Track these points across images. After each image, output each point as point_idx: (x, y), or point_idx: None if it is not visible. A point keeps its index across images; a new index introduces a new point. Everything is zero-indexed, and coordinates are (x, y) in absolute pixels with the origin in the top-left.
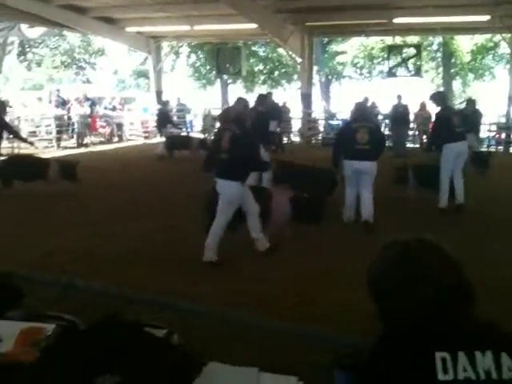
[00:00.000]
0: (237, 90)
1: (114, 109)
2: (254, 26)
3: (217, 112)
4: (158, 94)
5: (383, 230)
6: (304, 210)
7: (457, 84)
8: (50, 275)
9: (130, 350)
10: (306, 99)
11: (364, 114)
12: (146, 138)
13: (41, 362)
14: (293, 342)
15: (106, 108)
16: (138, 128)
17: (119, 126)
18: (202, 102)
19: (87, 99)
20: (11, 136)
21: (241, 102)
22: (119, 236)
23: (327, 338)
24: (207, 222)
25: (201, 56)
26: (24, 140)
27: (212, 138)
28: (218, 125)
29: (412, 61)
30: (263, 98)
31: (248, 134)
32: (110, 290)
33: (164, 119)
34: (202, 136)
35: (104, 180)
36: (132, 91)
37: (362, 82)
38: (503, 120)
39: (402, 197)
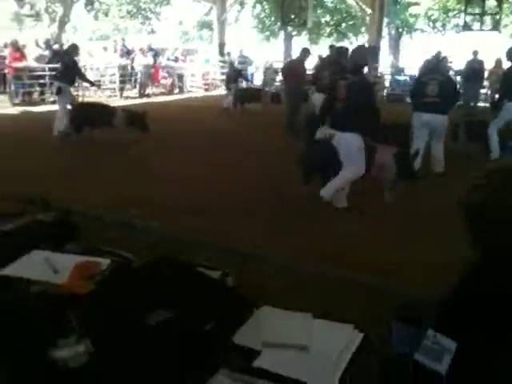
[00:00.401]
0: (301, 43)
1: (176, 60)
2: None
3: (279, 65)
4: (221, 45)
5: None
6: (405, 167)
7: None
8: (111, 215)
9: (182, 287)
10: (373, 53)
11: (435, 67)
12: (206, 90)
13: (95, 295)
14: (352, 293)
15: (168, 59)
16: (198, 80)
17: (180, 77)
18: (264, 55)
19: (151, 49)
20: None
21: (306, 53)
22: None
23: (387, 289)
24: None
25: (266, 7)
26: (91, 83)
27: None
28: (279, 78)
29: (491, 14)
30: (345, 53)
31: (366, 82)
32: (169, 232)
33: (235, 75)
34: (272, 89)
35: (172, 131)
36: (195, 43)
37: (435, 35)
38: None
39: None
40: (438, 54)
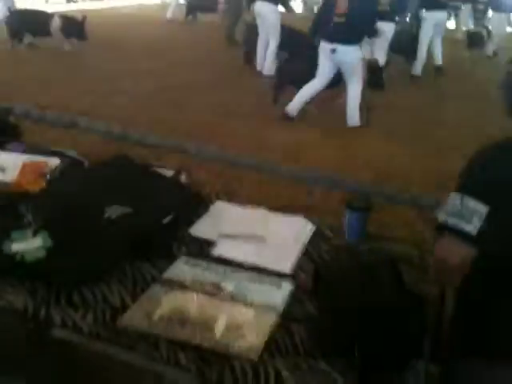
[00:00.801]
0: None
1: None
2: None
3: None
4: None
5: None
6: (374, 76)
7: None
8: (54, 114)
9: (138, 184)
10: None
11: None
12: None
13: (48, 191)
14: (304, 187)
15: None
16: None
17: None
18: None
19: None
20: None
21: None
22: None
23: (338, 182)
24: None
25: None
26: None
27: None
28: None
29: None
30: None
31: None
32: (114, 130)
33: None
34: None
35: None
36: None
37: None
38: None
39: None
40: None
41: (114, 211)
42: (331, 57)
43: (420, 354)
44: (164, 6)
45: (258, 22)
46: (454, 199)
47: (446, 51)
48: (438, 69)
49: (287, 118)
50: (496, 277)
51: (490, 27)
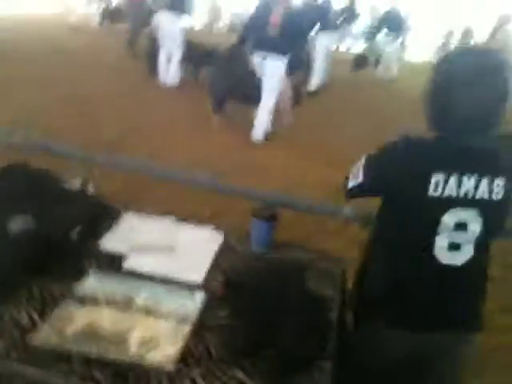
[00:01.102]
0: None
1: None
2: None
3: None
4: None
5: None
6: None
7: None
8: None
9: (41, 196)
10: None
11: None
12: None
13: None
14: (215, 196)
15: None
16: None
17: None
18: None
19: None
20: None
21: None
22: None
23: (244, 192)
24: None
25: None
26: None
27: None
28: None
29: None
30: None
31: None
32: (16, 137)
33: None
34: None
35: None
36: None
37: None
38: None
39: None
40: None
41: (15, 225)
42: (261, 65)
43: (326, 355)
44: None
45: (160, 33)
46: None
47: (333, 71)
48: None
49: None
50: (390, 251)
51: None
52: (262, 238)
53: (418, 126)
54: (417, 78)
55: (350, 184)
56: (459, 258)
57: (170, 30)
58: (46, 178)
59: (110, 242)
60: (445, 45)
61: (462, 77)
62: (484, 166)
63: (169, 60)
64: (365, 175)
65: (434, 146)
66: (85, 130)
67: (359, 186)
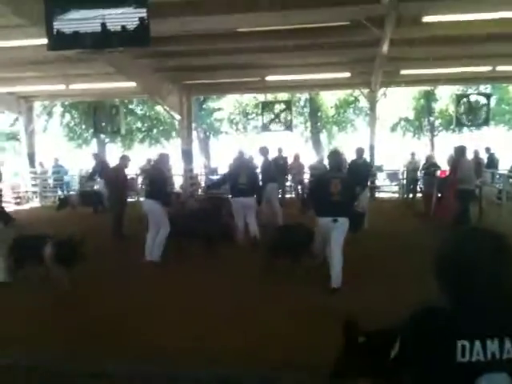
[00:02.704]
0: (114, 149)
1: None
2: (132, 84)
3: None
4: (31, 156)
5: None
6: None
7: (323, 137)
8: None
9: None
10: (187, 155)
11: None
12: (17, 203)
13: None
14: None
15: None
16: (8, 193)
17: None
18: (79, 162)
19: None
20: None
21: (125, 159)
22: None
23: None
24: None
25: (75, 115)
26: None
27: None
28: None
29: (283, 116)
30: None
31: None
32: None
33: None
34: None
35: None
36: None
37: (238, 136)
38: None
39: None
40: (241, 153)
41: None
42: (331, 226)
43: None
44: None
45: (148, 216)
46: None
47: None
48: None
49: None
50: None
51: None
52: None
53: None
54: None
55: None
56: None
57: (155, 213)
58: None
59: None
60: None
61: (478, 259)
62: (504, 327)
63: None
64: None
65: (454, 314)
66: None
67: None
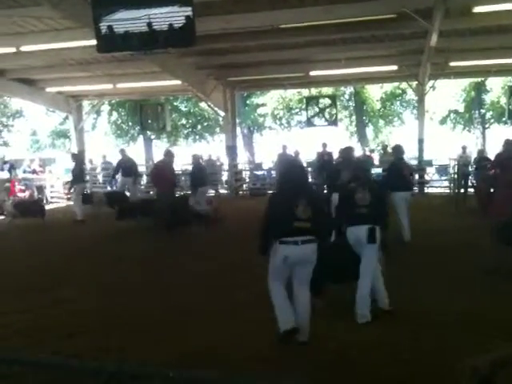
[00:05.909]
0: (161, 145)
1: (33, 172)
2: (177, 82)
3: (141, 168)
4: (81, 153)
5: None
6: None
7: (369, 130)
8: None
9: None
10: (232, 151)
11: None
12: (68, 199)
13: None
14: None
15: (25, 171)
16: (59, 190)
17: (40, 188)
18: None
19: (4, 162)
20: None
21: (170, 154)
22: None
23: None
24: None
25: (122, 113)
26: None
27: None
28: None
29: (328, 110)
30: None
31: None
32: None
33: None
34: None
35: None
36: (49, 151)
37: (282, 132)
38: (414, 162)
39: None
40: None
41: None
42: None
43: None
44: None
45: None
46: None
47: None
48: None
49: None
50: None
51: None
52: None
53: None
54: None
55: None
56: None
57: None
58: None
59: None
60: None
61: None
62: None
63: None
64: None
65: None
66: None
67: None
